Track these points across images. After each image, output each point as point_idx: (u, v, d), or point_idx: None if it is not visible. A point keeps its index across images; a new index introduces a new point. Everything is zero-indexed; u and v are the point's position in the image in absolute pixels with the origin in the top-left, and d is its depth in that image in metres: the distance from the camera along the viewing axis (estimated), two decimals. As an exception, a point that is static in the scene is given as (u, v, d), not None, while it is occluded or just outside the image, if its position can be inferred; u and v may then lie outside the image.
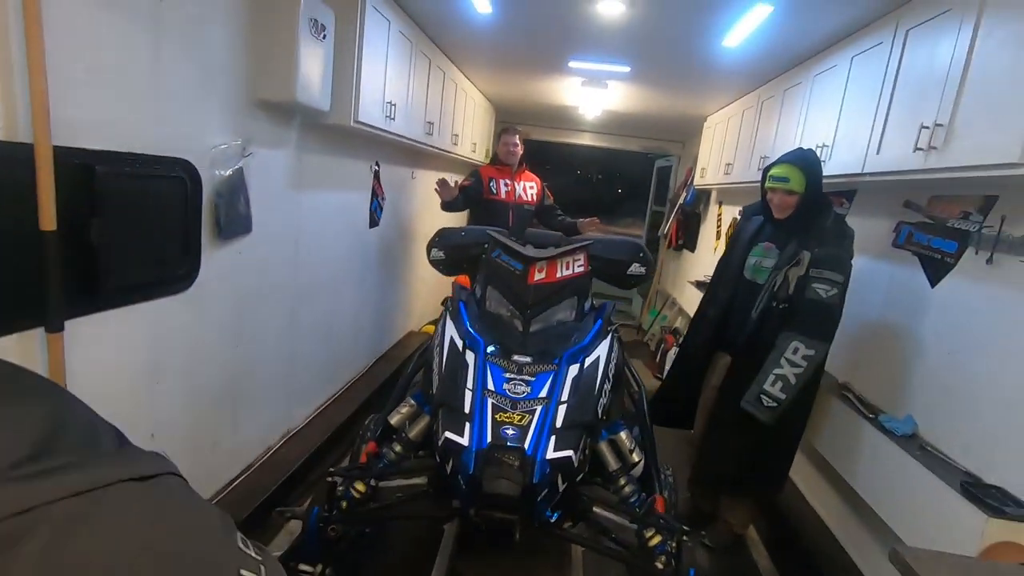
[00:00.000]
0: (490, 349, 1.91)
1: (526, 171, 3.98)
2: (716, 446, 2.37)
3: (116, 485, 0.40)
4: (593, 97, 4.76)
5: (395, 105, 2.93)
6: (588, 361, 1.90)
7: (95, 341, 1.53)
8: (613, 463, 1.84)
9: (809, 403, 2.25)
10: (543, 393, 1.75)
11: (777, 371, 2.06)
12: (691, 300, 4.86)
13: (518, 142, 3.87)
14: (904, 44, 2.11)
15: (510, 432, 1.63)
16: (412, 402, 1.98)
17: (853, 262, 2.12)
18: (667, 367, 4.23)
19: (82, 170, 1.42)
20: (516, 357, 1.89)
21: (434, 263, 2.67)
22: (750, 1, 2.35)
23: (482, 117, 5.48)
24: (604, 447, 1.84)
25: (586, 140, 7.09)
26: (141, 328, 1.71)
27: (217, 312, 2.09)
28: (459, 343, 1.94)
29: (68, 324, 1.41)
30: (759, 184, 2.31)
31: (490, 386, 1.76)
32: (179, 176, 1.78)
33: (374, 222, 3.57)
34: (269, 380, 2.55)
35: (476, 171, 3.90)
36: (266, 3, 2.05)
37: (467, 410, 1.69)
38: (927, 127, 1.84)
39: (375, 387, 3.59)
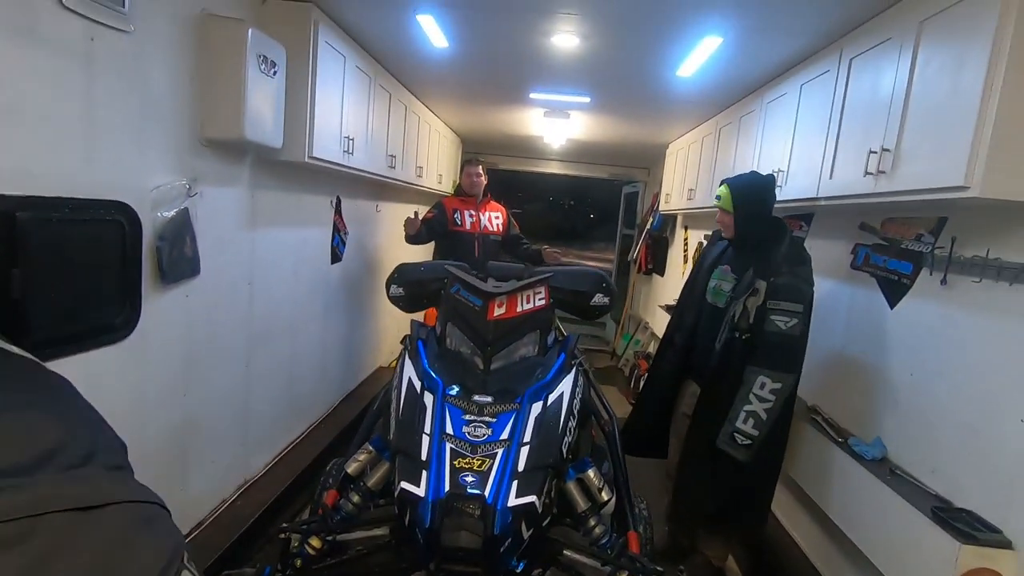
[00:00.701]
0: (450, 390, 1.84)
1: (491, 201, 3.98)
2: (692, 479, 2.31)
3: (54, 514, 0.41)
4: (556, 127, 4.81)
5: (353, 140, 2.89)
6: (551, 398, 1.84)
7: (17, 400, 1.41)
8: (582, 503, 1.76)
9: (785, 432, 2.20)
10: (504, 435, 1.68)
11: (747, 408, 2.02)
12: (662, 324, 4.86)
13: (481, 172, 3.89)
14: (849, 72, 2.16)
15: (469, 479, 1.55)
16: (370, 448, 1.89)
17: (814, 285, 2.11)
18: (635, 401, 4.17)
19: (1, 218, 1.33)
20: (476, 398, 1.82)
21: (393, 300, 2.61)
22: (700, 33, 2.40)
23: (447, 149, 5.49)
24: (572, 487, 1.76)
25: (553, 168, 7.16)
26: (75, 382, 1.59)
27: (161, 361, 1.97)
28: (417, 384, 1.87)
29: (-17, 384, 1.30)
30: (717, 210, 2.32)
31: (448, 430, 1.69)
32: (115, 220, 1.69)
33: (336, 258, 3.49)
34: (222, 430, 2.41)
35: (440, 202, 3.89)
36: (212, 40, 2.00)
37: (424, 457, 1.61)
38: (875, 152, 1.87)
39: (342, 427, 3.46)
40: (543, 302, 2.21)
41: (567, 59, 2.92)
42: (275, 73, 2.21)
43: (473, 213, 3.85)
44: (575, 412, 1.87)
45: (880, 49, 1.96)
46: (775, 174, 2.65)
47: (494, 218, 3.92)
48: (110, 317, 1.72)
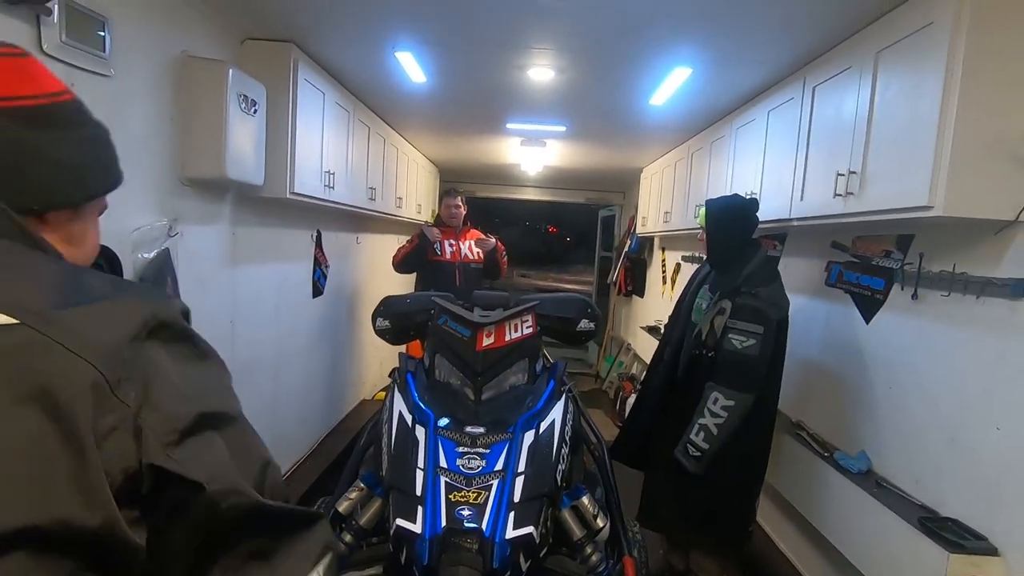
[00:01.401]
0: (441, 422, 1.83)
1: (470, 229, 4.03)
2: (653, 490, 2.38)
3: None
4: (533, 155, 4.89)
5: (334, 174, 2.90)
6: (543, 426, 1.84)
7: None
8: (577, 531, 1.75)
9: (759, 451, 2.20)
10: (499, 466, 1.68)
11: (700, 421, 2.07)
12: (644, 345, 4.91)
13: (460, 203, 3.95)
14: (813, 99, 2.26)
15: (466, 513, 1.54)
16: (361, 485, 1.85)
17: (792, 302, 2.16)
18: (627, 414, 4.20)
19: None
20: (469, 429, 1.82)
21: (380, 333, 2.59)
22: (670, 64, 2.49)
23: (426, 179, 5.53)
24: (567, 515, 1.76)
25: (530, 195, 7.26)
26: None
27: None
28: (408, 418, 1.86)
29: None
30: (699, 230, 2.40)
31: (442, 463, 1.68)
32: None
33: (318, 291, 3.47)
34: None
35: (420, 231, 3.91)
36: (192, 81, 2.01)
37: (419, 492, 1.59)
38: (843, 174, 1.95)
39: (328, 463, 3.39)
40: (531, 330, 2.22)
41: (543, 91, 3.00)
42: (255, 111, 2.23)
43: (453, 242, 3.90)
44: (567, 439, 1.88)
45: (841, 77, 2.06)
46: (747, 196, 2.76)
47: (474, 246, 3.96)
48: (90, 362, 1.68)
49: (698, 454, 2.08)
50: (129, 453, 0.52)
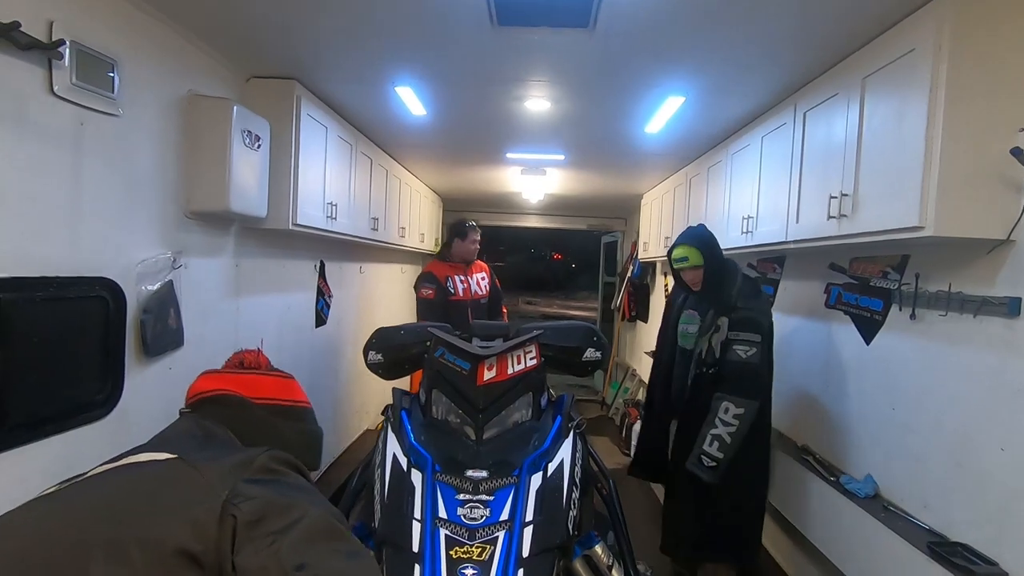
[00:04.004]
0: (439, 467, 1.69)
1: (476, 262, 3.84)
2: (675, 515, 2.41)
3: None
4: (533, 183, 4.96)
5: (336, 205, 2.96)
6: (552, 467, 1.70)
7: (-5, 485, 1.37)
8: None
9: (764, 464, 2.31)
10: (504, 515, 1.54)
11: (713, 432, 2.15)
12: (649, 370, 4.88)
13: (478, 238, 3.74)
14: (804, 124, 2.30)
15: (469, 572, 1.41)
16: None
17: (789, 322, 2.22)
18: (633, 442, 4.17)
19: (-16, 301, 1.33)
20: (470, 473, 1.67)
21: (372, 367, 2.41)
22: (663, 93, 2.55)
23: (429, 208, 5.61)
24: (579, 566, 1.63)
25: (532, 222, 7.32)
26: (51, 463, 1.55)
27: (144, 435, 1.91)
28: (403, 461, 1.71)
29: (-40, 471, 1.27)
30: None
31: (442, 513, 1.54)
32: (100, 296, 1.70)
33: (321, 321, 3.49)
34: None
35: (430, 275, 3.57)
36: (198, 118, 2.08)
37: (415, 548, 1.47)
38: (835, 197, 1.97)
39: (331, 493, 3.35)
40: (534, 361, 2.05)
41: (540, 121, 3.07)
42: (259, 146, 2.29)
43: (463, 279, 3.65)
44: (577, 481, 1.72)
45: (829, 103, 2.10)
46: (744, 220, 2.79)
47: (480, 280, 3.76)
48: (91, 394, 1.70)
49: (713, 464, 2.14)
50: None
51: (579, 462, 1.78)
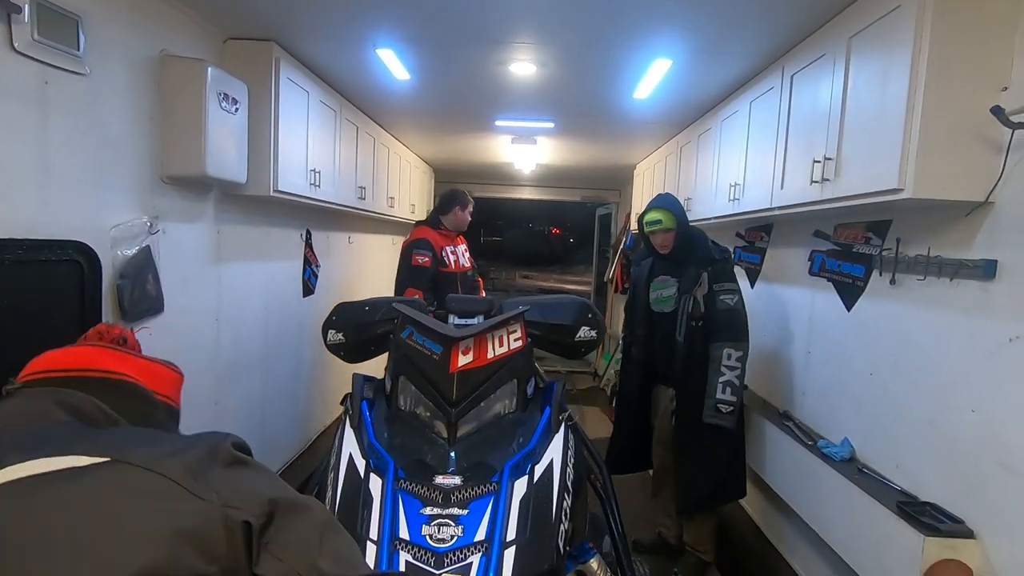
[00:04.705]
0: (403, 472, 1.41)
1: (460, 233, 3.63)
2: (691, 471, 2.47)
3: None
4: (525, 152, 4.90)
5: (320, 172, 2.92)
6: (539, 470, 1.44)
7: (-32, 447, 1.38)
8: None
9: (742, 408, 2.45)
10: (480, 534, 1.28)
11: (722, 380, 2.29)
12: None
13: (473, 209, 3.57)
14: (791, 87, 2.26)
15: None
16: None
17: (774, 290, 2.38)
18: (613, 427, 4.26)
19: (-50, 261, 1.32)
20: (440, 480, 1.39)
21: (332, 348, 2.10)
22: (649, 56, 2.50)
23: (419, 179, 5.55)
24: None
25: (526, 194, 7.26)
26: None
27: (124, 400, 1.94)
28: (360, 464, 1.44)
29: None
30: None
31: (403, 532, 1.28)
32: (73, 260, 1.68)
33: (309, 291, 3.48)
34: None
35: (427, 242, 3.30)
36: (171, 79, 2.03)
37: None
38: (819, 161, 1.95)
39: (316, 465, 3.39)
40: (519, 343, 1.74)
41: (527, 86, 3.01)
42: (237, 110, 2.24)
43: (454, 250, 3.43)
44: (570, 485, 1.46)
45: (816, 65, 2.06)
46: (731, 188, 2.77)
47: (464, 252, 3.57)
48: (68, 358, 1.69)
49: (730, 408, 2.29)
50: None
51: (571, 461, 1.53)
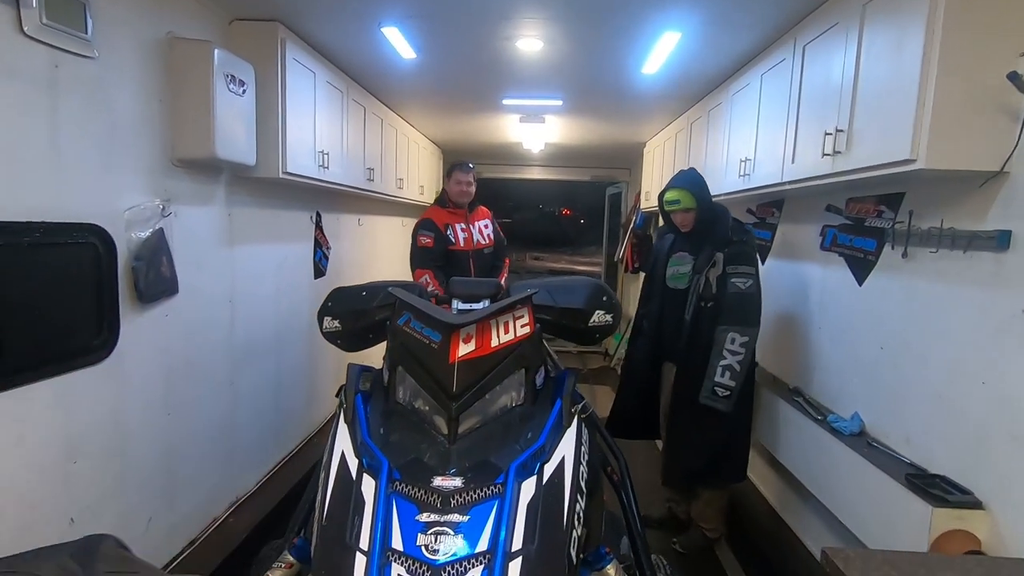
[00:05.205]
0: (399, 472, 1.28)
1: (479, 208, 3.49)
2: (678, 446, 2.52)
3: None
4: (533, 132, 4.87)
5: (328, 154, 2.93)
6: (549, 470, 1.30)
7: (-4, 423, 1.43)
8: None
9: (751, 393, 2.44)
10: (482, 544, 1.15)
11: (722, 363, 2.25)
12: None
13: (472, 180, 3.35)
14: (803, 59, 2.22)
15: None
16: (290, 559, 1.43)
17: (786, 267, 2.35)
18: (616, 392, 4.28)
19: (-30, 244, 1.35)
20: (439, 482, 1.25)
21: (329, 336, 1.98)
22: (658, 29, 2.45)
23: (428, 160, 5.54)
24: None
25: (535, 174, 7.22)
26: (50, 404, 1.61)
27: (142, 381, 1.99)
28: (352, 464, 1.31)
29: (-39, 408, 1.32)
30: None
31: (396, 543, 1.15)
32: (89, 242, 1.72)
33: (320, 272, 3.52)
34: (209, 449, 2.42)
35: (429, 222, 3.24)
36: (178, 61, 2.04)
37: None
38: (830, 133, 1.92)
39: (290, 486, 3.39)
40: (527, 329, 1.57)
41: (534, 63, 2.98)
42: (244, 91, 2.25)
43: (464, 227, 3.31)
44: (583, 485, 1.33)
45: (829, 35, 2.02)
46: (742, 163, 2.74)
47: (484, 228, 3.41)
48: (87, 339, 1.74)
49: (727, 393, 2.25)
50: None
51: (584, 458, 1.40)
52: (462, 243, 3.28)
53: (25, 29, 1.46)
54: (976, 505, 1.52)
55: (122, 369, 1.86)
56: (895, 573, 0.90)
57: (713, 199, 2.50)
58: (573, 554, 1.21)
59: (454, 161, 3.50)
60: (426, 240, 3.17)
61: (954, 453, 1.65)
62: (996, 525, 1.48)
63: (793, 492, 2.58)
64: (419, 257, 3.19)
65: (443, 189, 3.48)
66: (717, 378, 2.26)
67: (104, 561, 0.66)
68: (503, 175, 7.12)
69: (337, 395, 1.63)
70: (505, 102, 3.89)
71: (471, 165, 3.36)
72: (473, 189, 3.35)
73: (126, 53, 1.85)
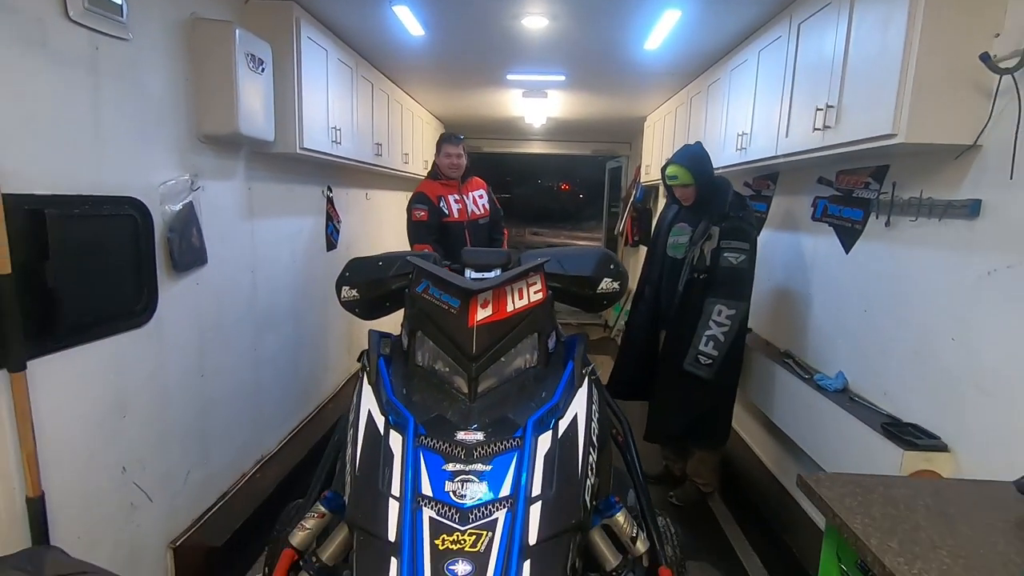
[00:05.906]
0: (423, 429, 1.39)
1: (473, 179, 3.50)
2: (662, 406, 2.67)
3: None
4: (536, 106, 4.94)
5: (340, 129, 3.03)
6: (563, 425, 1.41)
7: (58, 379, 1.58)
8: (611, 559, 1.38)
9: (739, 360, 2.57)
10: (505, 489, 1.26)
11: (707, 333, 2.39)
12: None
13: (462, 152, 3.34)
14: (798, 36, 2.32)
15: (461, 570, 1.15)
16: (322, 509, 1.50)
17: (780, 237, 2.37)
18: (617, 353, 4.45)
19: (32, 215, 1.48)
20: (461, 435, 1.37)
21: (347, 305, 2.10)
22: (659, 7, 2.54)
23: (431, 134, 5.60)
24: (597, 536, 1.40)
25: (536, 148, 7.28)
26: (103, 364, 1.76)
27: (179, 343, 2.14)
28: (379, 421, 1.42)
29: (30, 364, 1.47)
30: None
31: (425, 489, 1.26)
32: (129, 214, 1.85)
33: (332, 245, 3.65)
34: (238, 409, 2.59)
35: (422, 195, 3.28)
36: (202, 42, 2.14)
37: (392, 536, 1.20)
38: (821, 109, 2.04)
39: (339, 418, 3.61)
40: (540, 296, 1.69)
41: (539, 39, 3.06)
42: (263, 70, 2.35)
43: (458, 198, 3.34)
44: (594, 439, 1.45)
45: (823, 13, 2.11)
46: (739, 137, 2.85)
47: (479, 199, 3.45)
48: (132, 304, 1.88)
49: (709, 362, 2.40)
50: None
51: (595, 415, 1.51)
52: (456, 214, 3.31)
53: (71, 14, 1.57)
54: (942, 448, 1.69)
55: (161, 333, 2.01)
56: (858, 489, 1.07)
57: (716, 172, 2.60)
58: (587, 499, 1.33)
59: (443, 133, 3.48)
60: (420, 214, 3.21)
61: (925, 404, 1.81)
62: (959, 465, 1.65)
63: (782, 448, 2.77)
64: (416, 232, 3.23)
65: (434, 163, 3.49)
66: (701, 347, 2.40)
67: (53, 567, 0.68)
68: (504, 149, 7.19)
69: (359, 359, 1.75)
70: (509, 77, 3.97)
71: (460, 137, 3.36)
72: (463, 161, 3.34)
73: (156, 35, 1.95)
